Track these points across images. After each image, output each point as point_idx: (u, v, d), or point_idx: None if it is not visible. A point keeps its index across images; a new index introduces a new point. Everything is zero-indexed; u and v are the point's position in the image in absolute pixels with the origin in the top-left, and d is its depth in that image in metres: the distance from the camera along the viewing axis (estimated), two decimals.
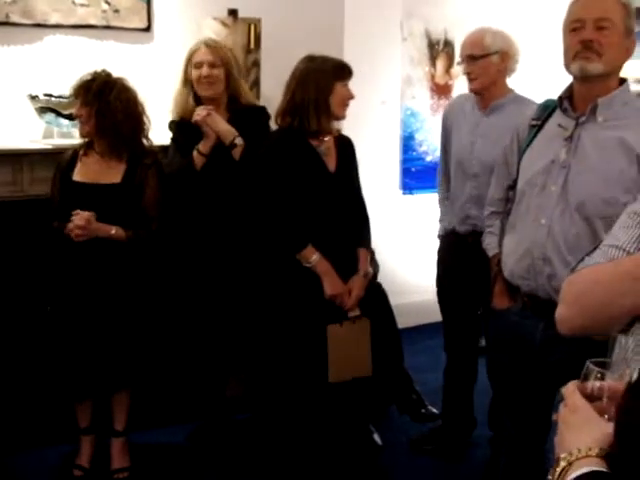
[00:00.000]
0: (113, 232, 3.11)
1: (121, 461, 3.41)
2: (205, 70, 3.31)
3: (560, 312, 1.60)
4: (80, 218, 3.03)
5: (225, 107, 3.36)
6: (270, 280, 3.16)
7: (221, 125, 3.25)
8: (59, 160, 3.29)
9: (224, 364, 3.59)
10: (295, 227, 3.07)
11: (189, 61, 3.35)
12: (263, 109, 3.37)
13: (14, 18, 3.63)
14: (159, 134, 3.52)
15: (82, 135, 3.22)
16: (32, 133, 3.62)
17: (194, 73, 3.33)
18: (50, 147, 3.42)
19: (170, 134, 3.48)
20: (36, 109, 3.56)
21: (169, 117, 3.50)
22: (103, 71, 3.18)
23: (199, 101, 3.35)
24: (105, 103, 3.09)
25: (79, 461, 3.38)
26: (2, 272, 3.35)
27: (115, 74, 3.21)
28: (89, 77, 3.15)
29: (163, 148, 3.45)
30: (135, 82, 3.47)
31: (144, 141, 3.24)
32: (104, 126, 3.12)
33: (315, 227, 3.09)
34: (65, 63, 3.46)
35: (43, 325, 3.23)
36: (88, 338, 3.14)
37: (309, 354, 3.10)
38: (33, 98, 3.54)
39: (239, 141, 3.22)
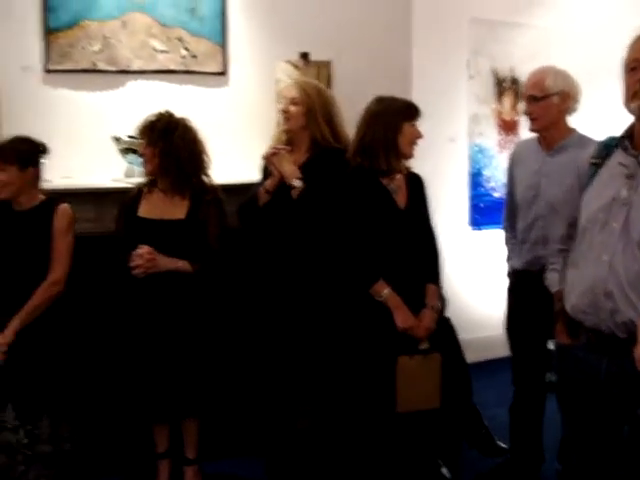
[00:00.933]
0: (180, 265, 3.25)
1: None
2: (283, 105, 3.43)
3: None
4: (146, 252, 3.18)
5: (307, 147, 3.41)
6: (341, 313, 3.23)
7: (285, 165, 3.31)
8: (124, 198, 3.44)
9: (295, 396, 3.66)
10: (367, 262, 3.14)
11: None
12: (342, 151, 3.35)
13: (100, 65, 3.87)
14: (232, 172, 3.68)
15: (146, 173, 3.38)
16: (115, 172, 3.83)
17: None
18: (131, 186, 3.59)
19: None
20: (119, 150, 3.76)
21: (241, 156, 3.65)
22: (166, 112, 3.33)
23: None
24: (169, 143, 3.24)
25: None
26: (84, 304, 3.51)
27: (193, 116, 3.38)
28: (153, 118, 3.31)
29: (230, 187, 3.57)
30: (211, 123, 3.65)
31: (204, 178, 3.37)
32: (168, 165, 3.26)
33: (386, 262, 3.15)
34: (147, 106, 3.62)
35: (118, 353, 3.37)
36: (156, 367, 3.26)
37: (379, 385, 3.15)
38: (117, 140, 3.75)
39: (298, 183, 3.28)
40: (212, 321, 3.37)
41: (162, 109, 3.34)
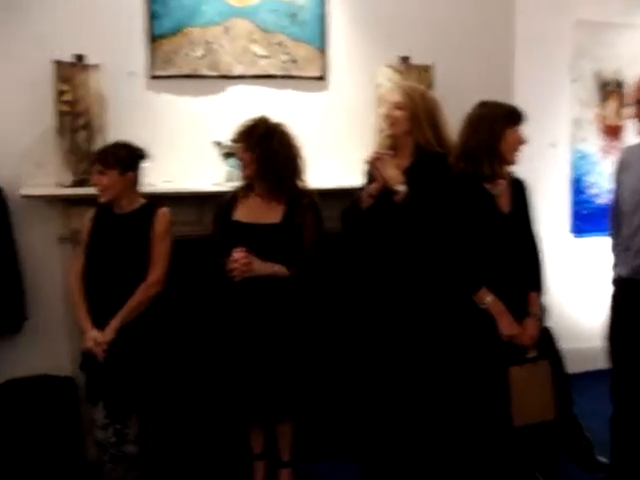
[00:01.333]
0: (276, 269, 3.27)
1: None
2: (387, 110, 3.41)
3: None
4: (242, 256, 3.21)
5: (411, 152, 3.38)
6: (445, 320, 3.20)
7: (389, 170, 3.29)
8: (219, 201, 3.50)
9: (394, 401, 3.62)
10: (471, 268, 3.10)
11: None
12: (446, 156, 3.31)
13: (202, 71, 3.93)
14: (330, 177, 3.68)
15: (243, 177, 3.41)
16: (215, 176, 3.88)
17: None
18: (233, 190, 3.63)
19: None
20: (220, 154, 3.82)
21: (340, 161, 3.65)
22: (264, 117, 3.36)
23: None
24: (267, 148, 3.28)
25: None
26: (184, 305, 3.56)
27: (293, 120, 3.40)
28: (251, 123, 3.34)
29: (328, 192, 3.58)
30: (310, 128, 3.66)
31: (300, 183, 3.38)
32: (266, 170, 3.30)
33: (489, 268, 3.11)
34: (247, 111, 3.66)
35: (215, 355, 3.41)
36: (252, 370, 3.29)
37: (491, 397, 3.11)
38: (218, 144, 3.80)
39: (401, 188, 3.24)
40: (308, 325, 3.38)
41: (259, 114, 3.37)
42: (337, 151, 3.82)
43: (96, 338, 3.26)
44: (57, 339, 3.94)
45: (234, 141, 3.39)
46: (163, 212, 3.36)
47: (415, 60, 4.01)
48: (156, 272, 3.31)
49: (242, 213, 3.39)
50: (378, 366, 3.44)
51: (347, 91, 4.04)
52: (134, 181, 3.35)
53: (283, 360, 3.30)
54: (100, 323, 3.29)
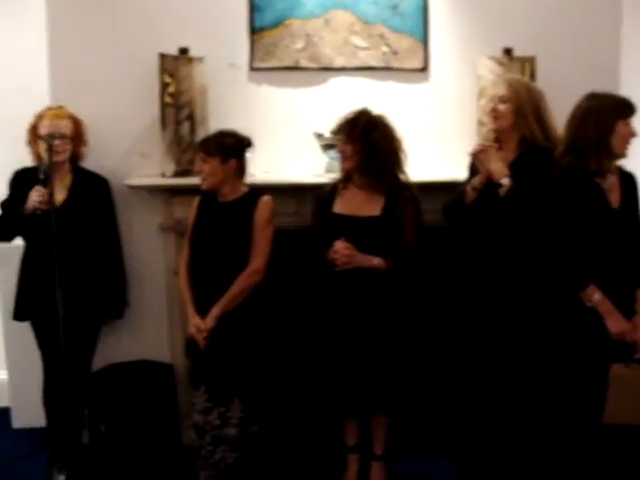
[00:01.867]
0: (375, 262, 3.25)
1: None
2: (491, 103, 3.36)
3: None
4: (344, 247, 3.22)
5: (516, 145, 3.33)
6: (549, 316, 3.13)
7: (493, 163, 3.24)
8: (319, 193, 3.50)
9: (492, 396, 3.56)
10: (578, 264, 3.01)
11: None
12: (551, 150, 3.23)
13: (303, 63, 3.94)
14: (431, 170, 3.65)
15: (343, 169, 3.40)
16: (316, 168, 3.89)
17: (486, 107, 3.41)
18: (332, 181, 3.63)
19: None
20: (321, 146, 3.82)
21: (441, 153, 3.61)
22: (365, 109, 3.35)
23: None
24: (370, 141, 3.26)
25: (346, 478, 3.56)
26: (282, 295, 3.58)
27: (393, 112, 3.38)
28: (353, 115, 3.33)
29: (429, 184, 3.54)
30: (411, 119, 3.62)
31: (401, 175, 3.36)
32: (368, 163, 3.28)
33: (597, 265, 3.02)
34: (348, 103, 3.66)
35: (313, 345, 3.42)
36: (350, 362, 3.29)
37: (587, 394, 3.04)
38: (319, 136, 3.80)
39: (506, 181, 3.19)
40: (407, 319, 3.35)
41: (360, 106, 3.36)
42: (438, 143, 3.77)
43: (198, 325, 3.33)
44: (157, 326, 4.05)
45: (335, 133, 3.39)
46: (266, 200, 3.38)
47: (518, 51, 3.92)
48: (257, 261, 3.34)
49: (342, 205, 3.39)
50: (479, 361, 3.40)
51: (448, 83, 3.97)
52: (237, 169, 3.37)
53: (381, 352, 3.29)
54: (204, 310, 3.35)
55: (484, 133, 3.48)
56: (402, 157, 3.36)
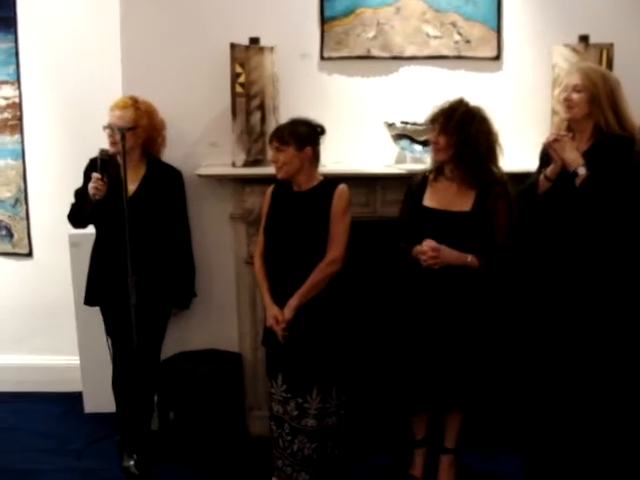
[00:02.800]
0: (469, 260, 3.20)
1: (447, 478, 3.50)
2: (567, 93, 3.28)
3: None
4: (430, 248, 3.17)
5: (590, 135, 3.25)
6: (629, 313, 3.04)
7: (568, 152, 3.17)
8: (410, 183, 3.45)
9: (563, 393, 3.49)
10: None
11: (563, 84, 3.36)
12: (628, 140, 3.18)
13: (374, 52, 3.91)
14: (512, 161, 3.60)
15: (435, 161, 3.35)
16: (386, 158, 3.85)
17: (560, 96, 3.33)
18: (403, 172, 3.60)
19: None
20: (392, 136, 3.78)
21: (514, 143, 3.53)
22: (462, 100, 3.29)
23: None
24: (467, 134, 3.20)
25: (412, 471, 3.54)
26: (354, 286, 3.57)
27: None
28: (449, 106, 3.26)
29: (514, 175, 3.47)
30: (485, 109, 3.55)
31: (494, 169, 3.29)
32: (463, 156, 3.22)
33: None
34: (419, 92, 3.63)
35: (388, 339, 3.41)
36: (429, 356, 3.26)
37: None
38: (390, 125, 3.77)
39: (582, 171, 3.12)
40: (491, 316, 3.30)
41: (456, 97, 3.30)
42: (511, 134, 3.67)
43: (277, 316, 3.33)
44: (226, 315, 4.07)
45: (430, 123, 3.32)
46: (342, 189, 3.34)
47: (595, 39, 3.81)
48: (335, 250, 3.31)
49: (432, 198, 3.34)
50: (553, 357, 3.33)
51: (522, 72, 3.88)
52: (311, 158, 3.35)
53: (462, 349, 3.25)
54: (280, 300, 3.35)
55: (556, 122, 3.39)
56: (497, 151, 3.29)
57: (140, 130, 3.60)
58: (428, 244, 3.19)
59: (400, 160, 3.77)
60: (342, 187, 3.35)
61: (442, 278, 3.23)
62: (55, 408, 4.51)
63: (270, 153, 3.38)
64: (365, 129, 3.90)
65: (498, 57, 3.91)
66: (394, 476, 3.64)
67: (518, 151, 3.65)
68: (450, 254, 3.20)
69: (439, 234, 3.20)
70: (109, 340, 3.77)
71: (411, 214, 3.38)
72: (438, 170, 3.35)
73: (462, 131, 3.20)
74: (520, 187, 3.39)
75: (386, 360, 3.41)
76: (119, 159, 3.48)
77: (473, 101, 3.35)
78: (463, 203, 3.27)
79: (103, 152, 3.48)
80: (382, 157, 3.86)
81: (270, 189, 3.51)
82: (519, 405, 3.67)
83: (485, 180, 3.26)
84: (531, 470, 3.59)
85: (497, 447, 3.84)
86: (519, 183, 3.42)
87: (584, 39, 3.82)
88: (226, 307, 4.06)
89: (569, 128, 3.31)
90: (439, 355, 3.25)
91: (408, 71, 3.92)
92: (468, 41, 3.90)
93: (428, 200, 3.34)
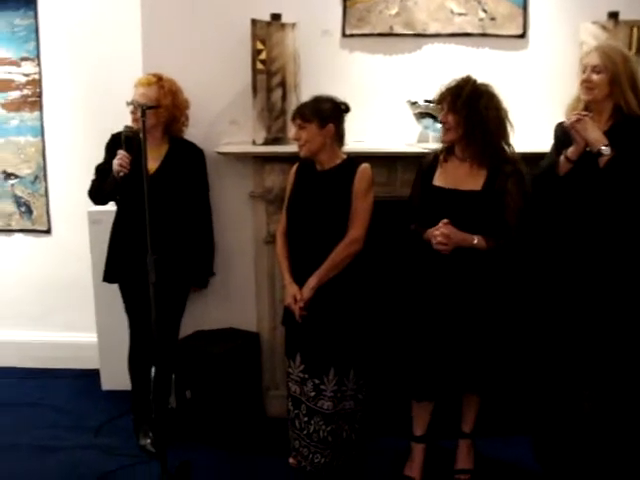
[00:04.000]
0: (475, 242, 3.14)
1: (465, 462, 3.47)
2: (586, 74, 3.20)
3: None
4: (441, 233, 3.12)
5: (609, 115, 3.18)
6: None
7: (591, 132, 3.09)
8: (420, 163, 3.39)
9: (581, 378, 3.45)
10: None
11: (581, 64, 3.28)
12: None
13: (397, 29, 3.84)
14: (528, 140, 3.53)
15: (445, 141, 3.27)
16: (408, 137, 3.79)
17: (580, 77, 3.26)
18: (425, 151, 3.54)
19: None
20: (414, 114, 3.73)
21: (539, 123, 3.47)
22: (470, 77, 3.20)
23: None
24: (475, 111, 3.12)
25: (409, 471, 3.46)
26: (373, 266, 3.53)
27: (490, 81, 3.23)
28: (457, 83, 3.18)
29: (526, 155, 3.39)
30: (508, 88, 3.48)
31: (506, 148, 3.22)
32: (472, 134, 3.14)
33: None
34: (442, 70, 3.54)
35: (402, 322, 3.36)
36: (445, 338, 3.21)
37: None
38: (413, 104, 3.71)
39: (606, 151, 3.05)
40: (506, 298, 3.24)
41: (464, 74, 3.22)
42: (536, 113, 3.62)
43: (295, 295, 3.30)
44: (244, 294, 4.05)
45: (438, 102, 3.26)
46: (364, 168, 3.31)
47: (625, 15, 3.72)
48: (356, 230, 3.28)
49: (442, 178, 3.27)
50: (572, 341, 3.28)
51: (548, 50, 3.80)
52: (334, 136, 3.31)
53: (478, 332, 3.19)
54: (300, 279, 3.33)
55: (571, 103, 3.32)
56: (508, 129, 3.21)
57: (162, 109, 3.56)
58: (441, 230, 3.13)
59: (422, 139, 3.71)
60: (365, 166, 3.31)
61: (454, 261, 3.17)
62: (73, 385, 4.53)
63: (292, 131, 3.34)
64: (387, 107, 3.84)
65: (524, 35, 3.83)
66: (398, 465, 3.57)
67: (544, 131, 3.58)
68: (458, 237, 3.13)
69: (449, 214, 3.14)
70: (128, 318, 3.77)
71: (422, 194, 3.32)
72: (449, 150, 3.29)
73: (471, 108, 3.12)
74: (537, 168, 3.33)
75: (401, 343, 3.36)
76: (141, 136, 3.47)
77: (498, 79, 3.29)
78: (474, 182, 3.19)
79: (127, 129, 3.44)
80: (404, 136, 3.81)
81: (294, 167, 3.47)
82: (534, 388, 3.63)
83: (496, 159, 3.18)
84: (542, 453, 3.58)
85: (514, 431, 3.80)
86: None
87: (613, 16, 3.73)
88: (244, 286, 4.03)
89: (586, 108, 3.23)
90: (455, 337, 3.20)
91: (431, 49, 3.86)
92: (493, 18, 3.82)
93: (438, 180, 3.28)
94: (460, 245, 3.14)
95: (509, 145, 3.22)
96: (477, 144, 3.16)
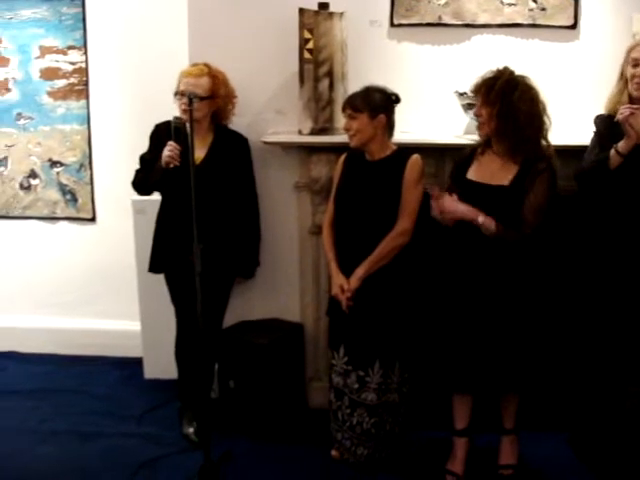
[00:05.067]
0: (480, 220, 3.05)
1: (509, 457, 3.41)
2: (636, 70, 3.15)
3: None
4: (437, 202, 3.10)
5: None
6: None
7: None
8: (458, 155, 3.36)
9: (624, 374, 3.42)
10: None
11: (627, 58, 3.21)
12: None
13: (445, 19, 3.80)
14: (579, 134, 3.47)
15: (480, 135, 3.22)
16: (456, 128, 3.76)
17: (629, 71, 3.19)
18: (472, 142, 3.49)
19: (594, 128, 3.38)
20: (462, 105, 3.69)
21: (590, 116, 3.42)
22: (505, 69, 3.14)
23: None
24: (508, 104, 3.04)
25: (452, 466, 3.41)
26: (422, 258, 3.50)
27: (539, 73, 3.20)
28: (491, 75, 3.12)
29: (577, 149, 3.36)
30: (558, 80, 3.44)
31: (543, 142, 3.14)
32: (505, 128, 3.07)
33: None
34: (491, 61, 3.48)
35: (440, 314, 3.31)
36: (479, 331, 3.16)
37: None
38: (461, 95, 3.67)
39: None
40: (540, 295, 3.18)
41: (501, 65, 3.16)
42: (587, 106, 3.55)
43: (342, 285, 3.29)
44: (289, 285, 4.05)
45: (474, 94, 3.21)
46: (415, 159, 3.29)
47: None
48: (405, 221, 3.27)
49: (476, 172, 3.22)
50: (615, 339, 3.26)
51: (600, 41, 3.72)
52: (385, 126, 3.29)
53: (515, 326, 3.14)
54: (346, 270, 3.31)
55: (611, 96, 3.26)
56: (545, 123, 3.12)
57: (218, 99, 3.56)
58: (436, 199, 3.11)
59: (469, 130, 3.66)
60: (416, 157, 3.30)
61: (484, 254, 3.12)
62: (115, 373, 4.56)
63: (343, 121, 3.32)
64: (435, 98, 3.81)
65: (575, 26, 3.76)
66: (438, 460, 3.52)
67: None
68: (457, 207, 3.09)
69: (478, 207, 3.08)
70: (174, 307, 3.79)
71: (455, 186, 3.26)
72: (487, 143, 3.22)
73: (503, 101, 3.04)
74: (583, 162, 3.29)
75: (440, 335, 3.30)
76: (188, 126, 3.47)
77: (547, 72, 3.24)
78: (503, 177, 3.12)
79: (177, 119, 3.41)
80: (452, 127, 3.77)
81: (342, 157, 3.46)
82: (576, 384, 3.60)
83: (529, 154, 3.09)
84: (583, 450, 3.55)
85: (555, 427, 3.75)
86: None
87: None
88: (289, 277, 4.02)
89: (631, 101, 3.17)
90: (490, 331, 3.15)
91: (480, 39, 3.80)
92: (544, 9, 3.76)
93: (472, 173, 3.22)
94: (462, 219, 3.09)
95: (546, 140, 3.13)
96: (509, 139, 3.09)
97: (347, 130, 3.29)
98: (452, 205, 3.10)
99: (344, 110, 3.30)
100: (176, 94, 3.52)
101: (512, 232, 3.08)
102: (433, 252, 3.37)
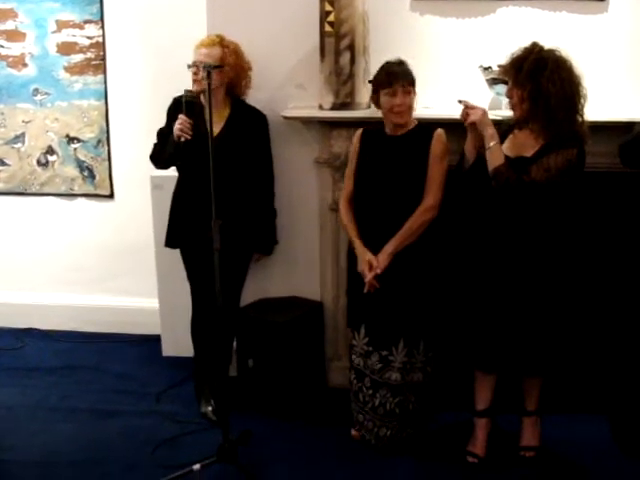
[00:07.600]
0: (491, 144, 3.04)
1: (531, 439, 3.37)
2: None
3: None
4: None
5: None
6: None
7: None
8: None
9: None
10: None
11: None
12: None
13: None
14: (609, 109, 3.39)
15: (516, 118, 3.13)
16: (480, 104, 3.64)
17: None
18: (498, 118, 3.41)
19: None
20: (487, 80, 3.60)
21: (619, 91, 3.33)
22: (535, 45, 3.03)
23: None
24: (538, 86, 2.94)
25: (473, 448, 3.37)
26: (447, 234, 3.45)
27: (566, 46, 3.07)
28: (520, 54, 3.02)
29: (606, 125, 3.28)
30: (586, 54, 3.34)
31: (578, 119, 3.02)
32: (537, 111, 2.98)
33: None
34: (517, 35, 3.40)
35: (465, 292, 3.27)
36: (504, 310, 3.12)
37: None
38: (485, 69, 3.58)
39: None
40: (567, 275, 3.12)
41: (529, 42, 3.05)
42: (617, 80, 3.46)
43: (371, 261, 3.23)
44: (309, 263, 4.00)
45: (502, 75, 3.16)
46: (440, 133, 3.24)
47: None
48: (433, 196, 3.21)
49: (507, 146, 3.14)
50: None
51: (630, 13, 3.61)
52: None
53: (538, 314, 3.09)
54: (370, 247, 3.25)
55: None
56: (581, 102, 3.00)
57: (227, 69, 3.49)
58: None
59: (494, 106, 3.58)
60: (440, 131, 3.25)
61: (511, 233, 3.07)
62: (134, 350, 4.55)
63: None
64: (459, 73, 3.71)
65: None
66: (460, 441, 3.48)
67: (626, 99, 3.44)
68: (484, 120, 3.10)
69: None
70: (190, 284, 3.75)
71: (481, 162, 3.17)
72: (526, 120, 3.10)
73: (534, 82, 2.94)
74: (626, 137, 3.19)
75: (465, 314, 3.27)
76: (203, 99, 3.42)
77: (576, 44, 3.14)
78: (530, 150, 3.05)
79: (188, 93, 3.40)
80: (475, 102, 3.63)
81: (358, 132, 3.40)
82: (613, 367, 3.53)
83: (562, 132, 2.98)
84: (620, 433, 3.48)
85: (579, 409, 3.69)
86: (626, 132, 3.21)
87: None
88: (308, 254, 3.98)
89: None
90: (515, 316, 3.10)
91: (506, 12, 3.69)
92: None
93: (505, 148, 3.13)
94: (482, 127, 3.09)
95: (582, 116, 3.02)
96: (542, 120, 2.99)
97: (398, 105, 3.20)
98: (480, 117, 3.10)
99: (392, 85, 3.20)
100: (189, 66, 3.48)
101: (512, 173, 2.99)
102: (459, 229, 3.34)
